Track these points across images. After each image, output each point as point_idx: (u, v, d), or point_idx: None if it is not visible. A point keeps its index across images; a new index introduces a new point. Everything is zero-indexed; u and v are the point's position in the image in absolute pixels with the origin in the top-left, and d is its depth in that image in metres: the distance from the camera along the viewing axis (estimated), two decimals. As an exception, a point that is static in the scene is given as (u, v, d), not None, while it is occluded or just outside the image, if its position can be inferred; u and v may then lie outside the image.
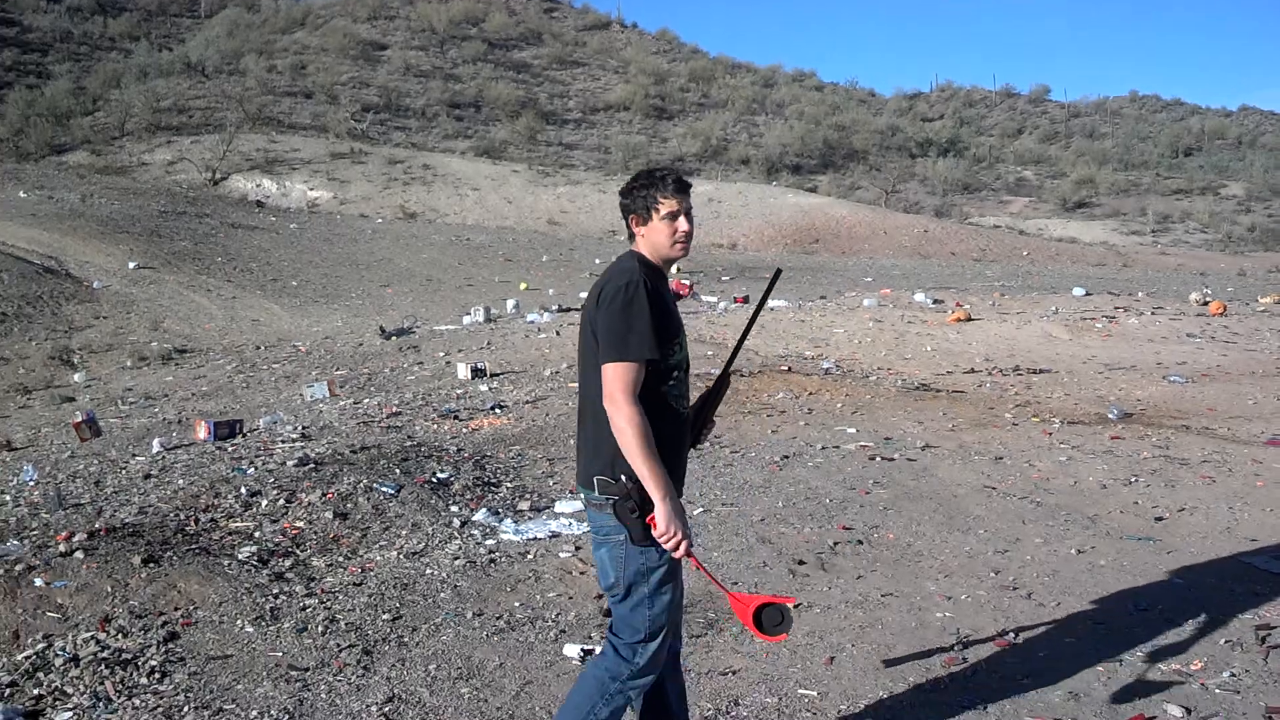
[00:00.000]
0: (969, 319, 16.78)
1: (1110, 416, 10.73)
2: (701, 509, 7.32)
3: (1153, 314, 18.21)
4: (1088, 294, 21.93)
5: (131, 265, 22.65)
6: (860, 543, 6.66)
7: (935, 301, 19.45)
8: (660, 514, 3.26)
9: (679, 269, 28.50)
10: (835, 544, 6.62)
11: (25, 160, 39.01)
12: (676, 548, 3.31)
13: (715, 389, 3.79)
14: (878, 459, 8.72)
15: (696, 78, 62.56)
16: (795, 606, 3.72)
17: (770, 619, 3.46)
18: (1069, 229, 44.55)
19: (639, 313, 3.29)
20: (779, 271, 4.27)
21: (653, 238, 3.55)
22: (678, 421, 3.49)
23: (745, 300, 21.36)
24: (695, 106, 59.19)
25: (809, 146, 55.00)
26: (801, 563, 6.29)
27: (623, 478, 3.32)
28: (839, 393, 11.45)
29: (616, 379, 3.26)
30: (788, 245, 38.13)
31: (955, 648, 5.09)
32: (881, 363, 13.79)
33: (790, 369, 12.80)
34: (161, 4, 61.38)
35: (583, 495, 3.51)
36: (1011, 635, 5.24)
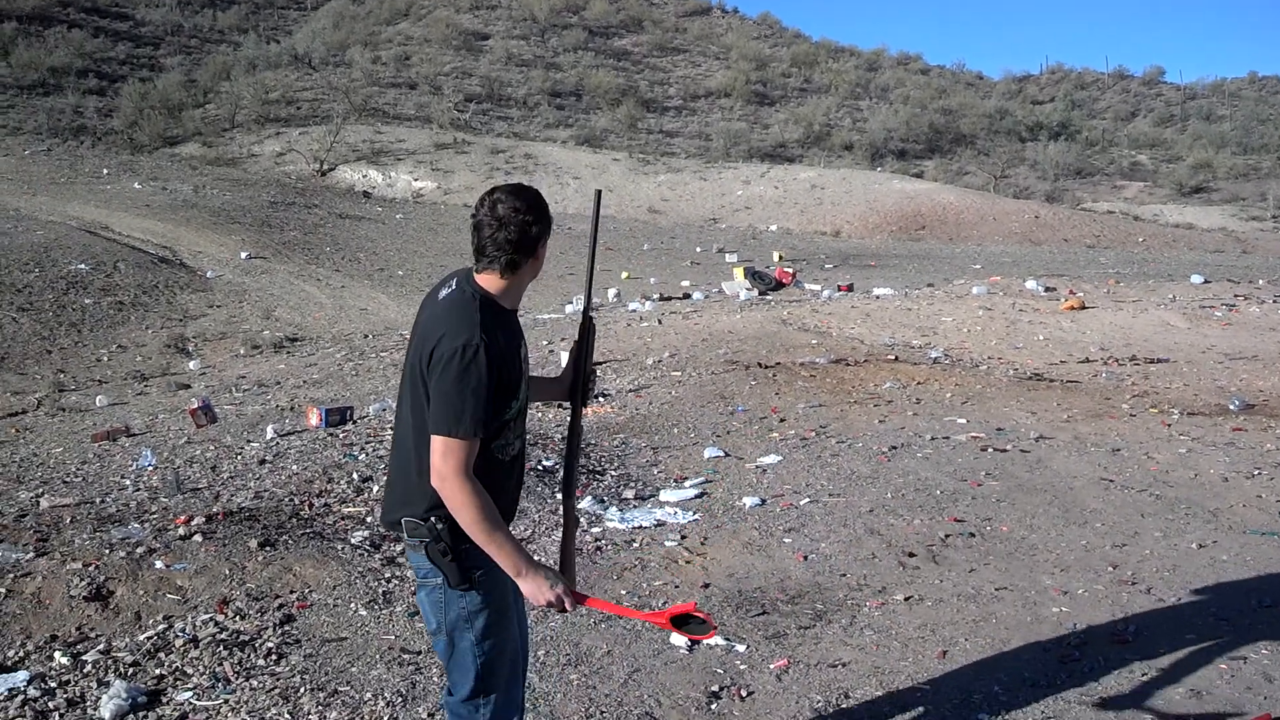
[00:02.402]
0: (1083, 307, 16.36)
1: (1231, 408, 10.37)
2: (808, 499, 7.24)
3: (1275, 302, 17.55)
4: (1206, 281, 21.22)
5: (243, 255, 23.21)
6: (972, 535, 6.53)
7: (1047, 289, 19.00)
8: (528, 589, 3.02)
9: (781, 256, 28.32)
10: (946, 536, 6.51)
11: (139, 152, 40.18)
12: (563, 610, 3.08)
13: (581, 339, 3.47)
14: (990, 450, 8.54)
15: (799, 62, 61.92)
16: (705, 624, 3.50)
17: (694, 625, 3.33)
18: (1186, 214, 43.16)
19: (477, 384, 2.91)
20: (599, 192, 3.95)
21: (528, 276, 3.13)
22: (504, 468, 3.17)
23: (850, 289, 21.11)
24: (797, 92, 58.63)
25: (915, 131, 54.14)
26: (912, 555, 6.19)
27: (432, 519, 3.02)
28: (948, 382, 11.25)
29: (450, 456, 2.91)
30: (893, 232, 37.61)
31: (1072, 643, 4.97)
32: (992, 352, 13.51)
33: (897, 358, 12.61)
34: (270, -3, 62.82)
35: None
36: (1130, 631, 5.10)
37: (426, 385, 2.99)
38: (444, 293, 3.11)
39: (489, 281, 3.09)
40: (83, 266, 19.13)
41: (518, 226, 3.01)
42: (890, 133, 53.32)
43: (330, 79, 50.14)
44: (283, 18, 61.80)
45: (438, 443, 2.93)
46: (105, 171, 33.50)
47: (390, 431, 8.72)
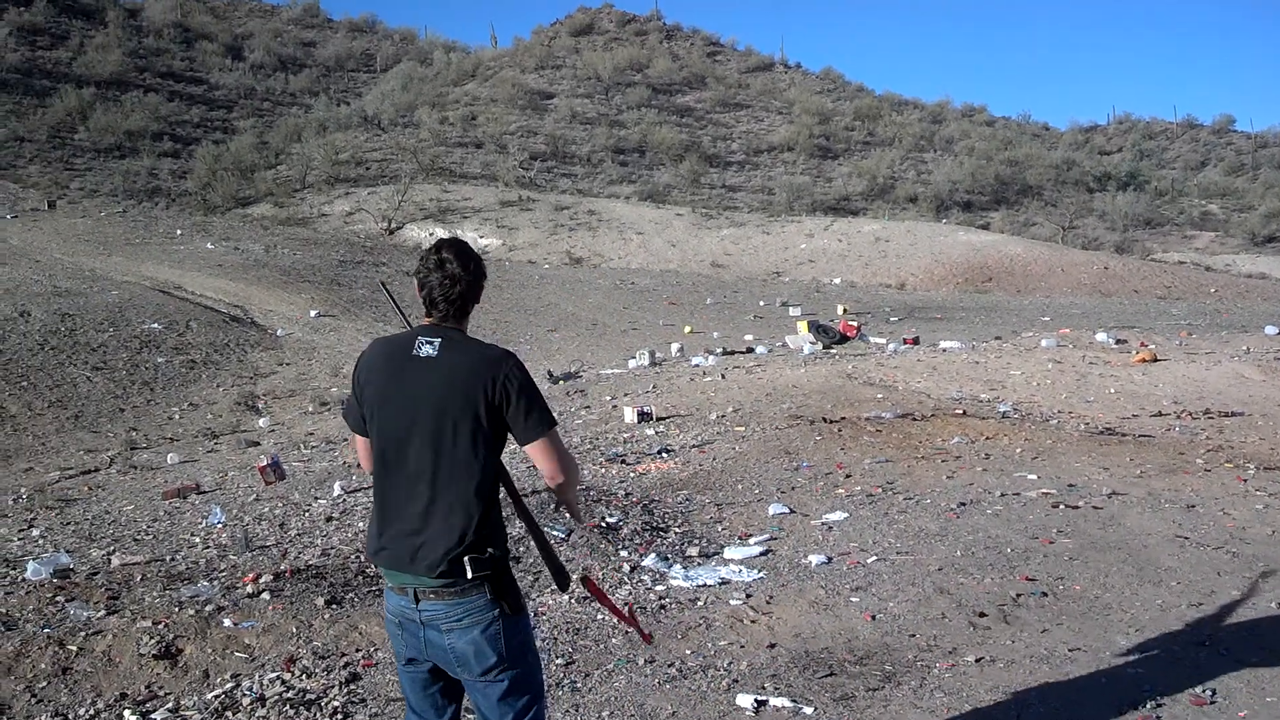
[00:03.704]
0: (1155, 359, 16.05)
1: (1313, 462, 10.09)
2: (876, 557, 7.14)
3: (1356, 352, 17.10)
4: (1281, 332, 20.76)
5: (313, 313, 23.58)
6: (1045, 594, 6.39)
7: (1118, 341, 18.69)
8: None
9: (845, 309, 28.19)
10: (1018, 595, 6.37)
11: (212, 213, 41.09)
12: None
13: None
14: (1061, 507, 8.37)
15: (862, 116, 61.98)
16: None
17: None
18: (1259, 264, 42.36)
19: (535, 382, 3.41)
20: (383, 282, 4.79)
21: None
22: None
23: (916, 342, 20.92)
24: (861, 145, 58.64)
25: (980, 183, 53.86)
26: (983, 615, 6.06)
27: (489, 551, 3.29)
28: (1018, 437, 11.07)
29: (558, 441, 3.38)
30: (959, 284, 37.30)
31: (1149, 706, 4.83)
32: (1062, 405, 13.29)
33: (965, 412, 12.44)
34: (339, 59, 64.28)
35: (425, 587, 3.30)
36: (1209, 694, 4.95)
37: (491, 415, 3.29)
38: (428, 349, 3.36)
39: (451, 324, 3.45)
40: (156, 326, 19.53)
41: (467, 282, 3.40)
42: (955, 185, 53.09)
43: (399, 139, 51.05)
44: (353, 80, 63.19)
45: (545, 441, 3.33)
46: (179, 232, 34.27)
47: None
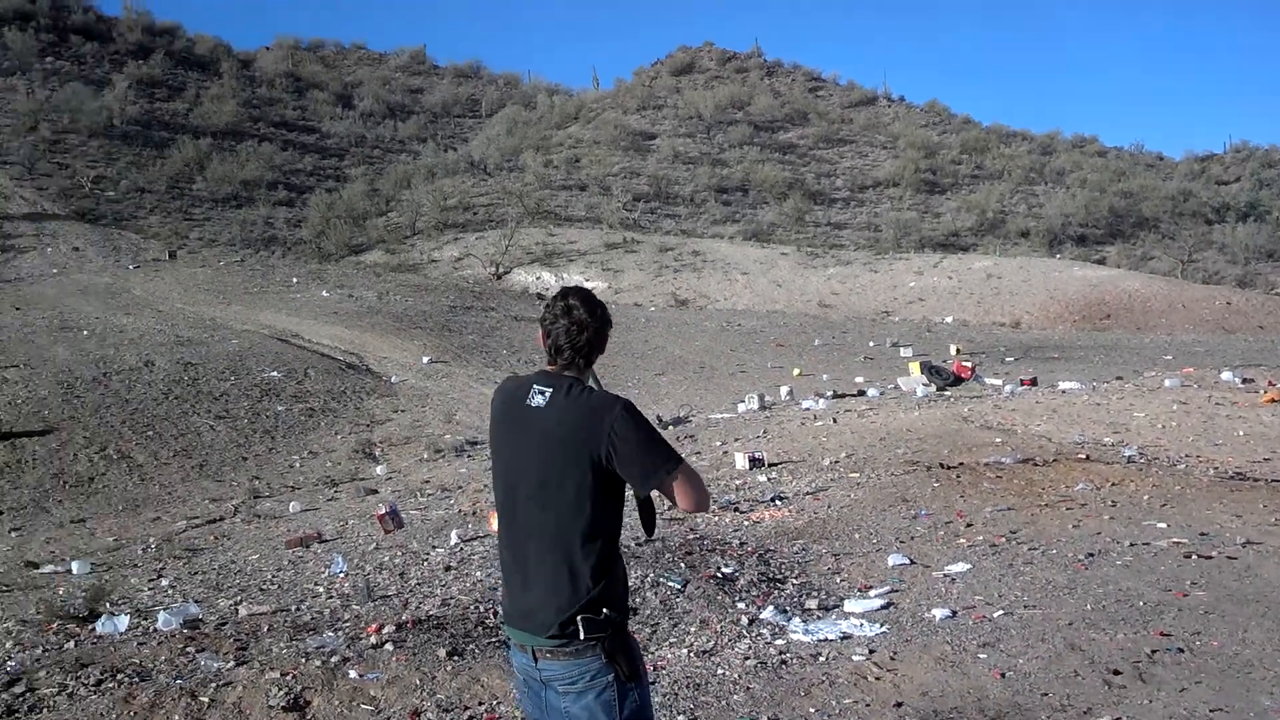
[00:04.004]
0: (1284, 398, 15.48)
1: None
2: (1002, 611, 6.95)
3: None
4: None
5: (425, 359, 23.97)
6: (1181, 651, 6.15)
7: (1245, 380, 18.04)
8: None
9: (958, 349, 27.73)
10: (1153, 652, 6.14)
11: (326, 261, 42.18)
12: None
13: None
14: (1194, 557, 8.06)
15: (969, 149, 61.26)
16: None
17: None
18: (1393, 295, 40.73)
19: (651, 424, 3.33)
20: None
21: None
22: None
23: (1033, 383, 20.46)
24: (969, 179, 57.91)
25: (1094, 216, 52.72)
26: (1117, 673, 5.85)
27: (605, 612, 3.20)
28: (1145, 483, 10.72)
29: (689, 474, 3.30)
30: (1076, 322, 36.46)
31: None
32: (1189, 449, 12.84)
33: (1089, 457, 12.10)
34: (445, 105, 65.83)
35: (541, 646, 3.25)
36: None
37: (599, 469, 3.22)
38: (539, 399, 3.34)
39: (570, 373, 3.41)
40: (275, 374, 20.05)
41: (594, 329, 3.39)
42: (1068, 218, 52.05)
43: (504, 184, 51.93)
44: (459, 125, 64.59)
45: (670, 484, 3.25)
46: (295, 280, 35.20)
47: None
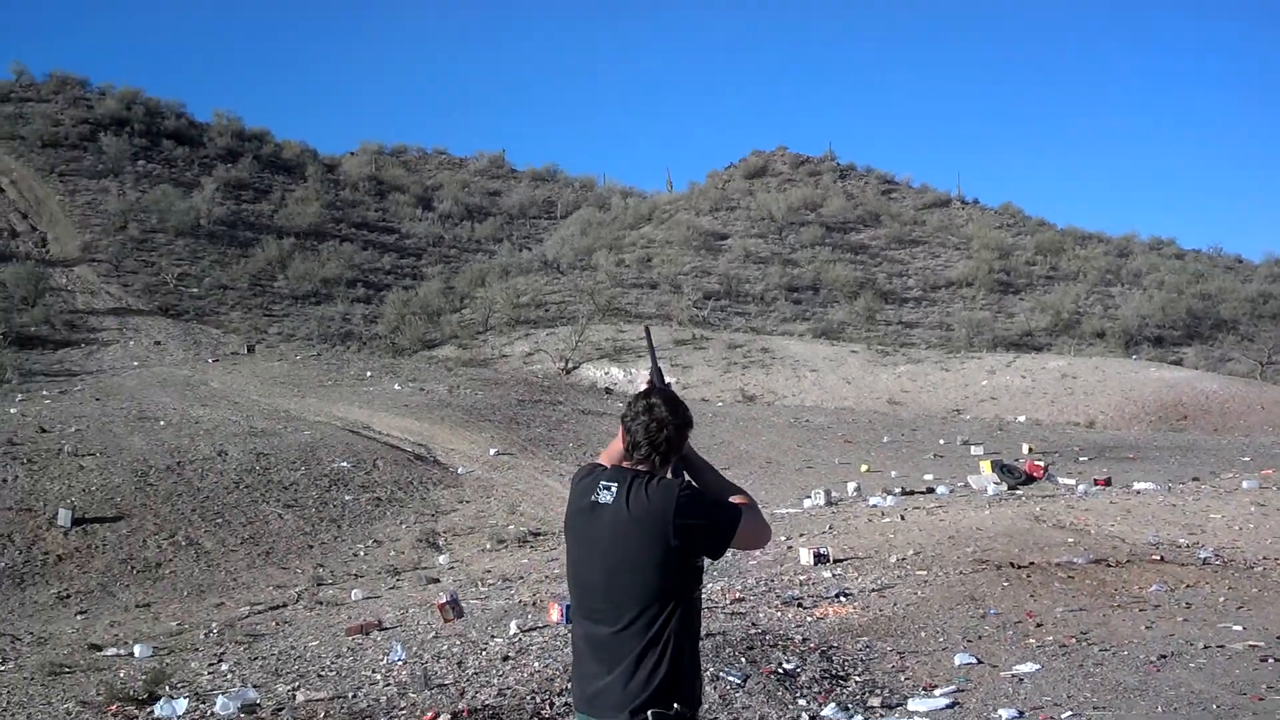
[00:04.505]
0: (1369, 502, 14.96)
1: None
2: (1071, 712, 6.74)
3: None
4: None
5: (492, 451, 24.07)
6: (1258, 758, 5.91)
7: (1327, 482, 17.54)
8: None
9: (1031, 448, 27.27)
10: (1229, 759, 5.90)
11: (400, 355, 42.74)
12: None
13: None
14: (1270, 661, 7.77)
15: (1044, 250, 60.76)
16: None
17: None
18: None
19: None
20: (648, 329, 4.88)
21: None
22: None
23: (1108, 483, 20.02)
24: (1043, 280, 57.38)
25: (1171, 317, 51.88)
26: (1190, 780, 5.63)
27: (676, 706, 3.19)
28: (1220, 585, 10.39)
29: (755, 516, 3.56)
30: (1152, 422, 35.71)
31: None
32: (1267, 551, 12.44)
33: (1163, 558, 11.78)
34: (522, 207, 67.03)
35: None
36: None
37: (669, 559, 3.26)
38: (605, 495, 3.39)
39: (644, 468, 3.47)
40: (345, 464, 20.27)
41: (675, 427, 3.51)
42: (1145, 319, 51.27)
43: (577, 281, 52.48)
44: (534, 226, 65.64)
45: (741, 534, 3.42)
46: (368, 374, 35.69)
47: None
